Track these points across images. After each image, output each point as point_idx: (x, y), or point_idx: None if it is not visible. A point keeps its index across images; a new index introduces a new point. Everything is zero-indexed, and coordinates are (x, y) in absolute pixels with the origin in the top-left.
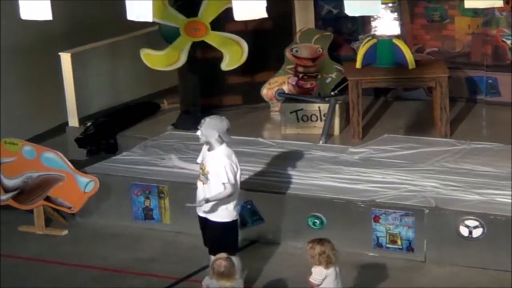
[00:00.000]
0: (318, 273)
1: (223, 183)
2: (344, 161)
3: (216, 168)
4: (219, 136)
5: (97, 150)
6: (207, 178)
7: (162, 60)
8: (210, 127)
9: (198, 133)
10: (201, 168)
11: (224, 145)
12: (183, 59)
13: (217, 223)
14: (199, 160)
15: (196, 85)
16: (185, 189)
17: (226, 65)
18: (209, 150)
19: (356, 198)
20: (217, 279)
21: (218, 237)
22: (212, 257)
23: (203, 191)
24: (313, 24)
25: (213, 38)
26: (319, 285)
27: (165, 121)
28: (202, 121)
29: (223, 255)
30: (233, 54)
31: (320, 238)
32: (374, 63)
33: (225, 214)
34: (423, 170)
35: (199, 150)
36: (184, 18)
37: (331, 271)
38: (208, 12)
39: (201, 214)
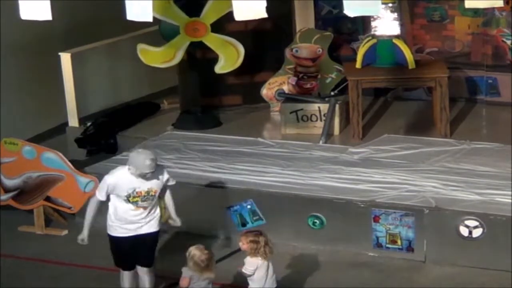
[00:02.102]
0: (250, 263)
1: (172, 184)
2: (344, 161)
3: (161, 181)
4: None
5: (97, 150)
6: (153, 199)
7: (157, 57)
8: (156, 160)
9: (152, 172)
10: (136, 197)
11: None
12: (178, 58)
13: (157, 232)
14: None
15: (196, 85)
16: (185, 189)
17: (220, 68)
18: (148, 178)
19: (356, 198)
20: (202, 272)
21: (154, 246)
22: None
23: (141, 214)
24: (313, 24)
25: (212, 40)
26: (251, 275)
27: (165, 121)
28: (150, 167)
29: (200, 246)
30: (229, 58)
31: (258, 230)
32: (374, 63)
33: (158, 220)
34: (423, 170)
35: (199, 150)
36: (185, 17)
37: (264, 262)
38: (210, 13)
39: (147, 231)
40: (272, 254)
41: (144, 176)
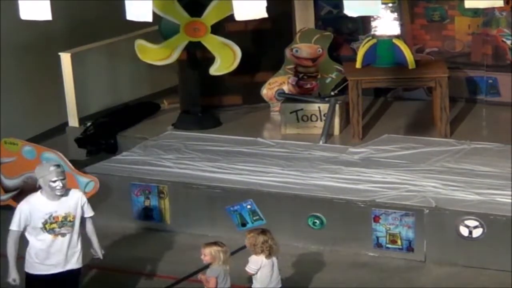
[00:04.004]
0: (254, 262)
1: (91, 217)
2: (344, 161)
3: (80, 206)
4: None
5: (97, 150)
6: (72, 225)
7: (154, 54)
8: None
9: (63, 182)
10: (53, 223)
11: None
12: (175, 56)
13: (79, 270)
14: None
15: (196, 85)
16: (185, 189)
17: (215, 70)
18: (62, 196)
19: (356, 198)
20: (226, 264)
21: (78, 284)
22: None
23: (62, 244)
24: (313, 24)
25: (210, 41)
26: (254, 274)
27: (165, 121)
28: (59, 172)
29: (209, 242)
30: (225, 60)
31: (262, 228)
32: (374, 63)
33: (81, 256)
34: (423, 170)
35: (199, 150)
36: (187, 17)
37: (268, 261)
38: (212, 14)
39: (71, 267)
40: (277, 253)
41: (55, 194)
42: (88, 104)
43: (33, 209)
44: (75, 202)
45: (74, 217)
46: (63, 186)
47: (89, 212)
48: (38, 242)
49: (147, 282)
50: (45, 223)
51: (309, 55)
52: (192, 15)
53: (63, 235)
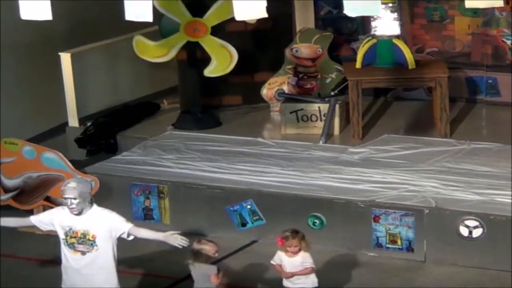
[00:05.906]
0: (309, 256)
1: (129, 230)
2: (344, 161)
3: (108, 226)
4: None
5: (97, 150)
6: (93, 245)
7: (151, 51)
8: (85, 190)
9: (74, 202)
10: (73, 237)
11: (94, 204)
12: (171, 55)
13: None
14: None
15: (196, 85)
16: (185, 189)
17: (210, 72)
18: (78, 214)
19: (356, 198)
20: (193, 260)
21: None
22: None
23: (79, 262)
24: (313, 24)
25: (208, 42)
26: (314, 268)
27: (165, 121)
28: (70, 189)
29: (208, 240)
30: (221, 62)
31: (291, 229)
32: (374, 63)
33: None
34: (423, 170)
35: (199, 150)
36: (188, 16)
37: None
38: (214, 16)
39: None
40: None
41: (70, 208)
42: (88, 104)
43: (60, 215)
44: (99, 221)
45: (94, 237)
46: (77, 206)
47: (124, 227)
48: (63, 257)
49: (147, 282)
50: (66, 235)
51: (309, 55)
52: (194, 15)
53: (83, 253)
